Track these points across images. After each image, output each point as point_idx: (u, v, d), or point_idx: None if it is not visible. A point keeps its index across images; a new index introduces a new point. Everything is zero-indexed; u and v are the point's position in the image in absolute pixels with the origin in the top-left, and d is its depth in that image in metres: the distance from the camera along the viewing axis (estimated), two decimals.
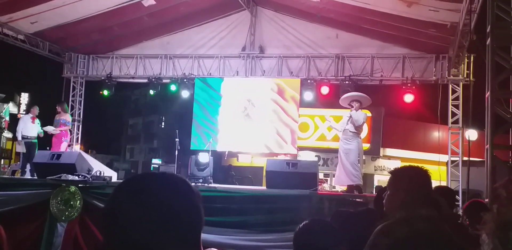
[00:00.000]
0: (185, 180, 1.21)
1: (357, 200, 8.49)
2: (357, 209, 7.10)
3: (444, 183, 11.81)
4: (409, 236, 2.36)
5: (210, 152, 10.82)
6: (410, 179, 2.64)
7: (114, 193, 1.18)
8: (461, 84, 12.02)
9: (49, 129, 11.40)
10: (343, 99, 9.88)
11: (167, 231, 1.12)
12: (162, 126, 30.35)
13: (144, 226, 1.11)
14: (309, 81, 12.48)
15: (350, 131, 9.39)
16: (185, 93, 13.32)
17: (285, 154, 13.34)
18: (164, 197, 1.14)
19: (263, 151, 13.19)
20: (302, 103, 13.00)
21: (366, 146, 16.27)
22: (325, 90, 12.34)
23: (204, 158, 10.12)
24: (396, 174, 2.74)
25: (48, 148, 11.98)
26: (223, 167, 16.35)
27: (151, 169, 27.00)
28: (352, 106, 9.53)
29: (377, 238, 2.42)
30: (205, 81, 13.35)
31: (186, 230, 1.15)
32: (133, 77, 13.94)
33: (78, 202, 8.64)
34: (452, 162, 11.96)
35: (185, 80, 13.22)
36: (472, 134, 12.40)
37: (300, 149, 13.62)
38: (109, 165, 16.73)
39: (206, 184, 9.41)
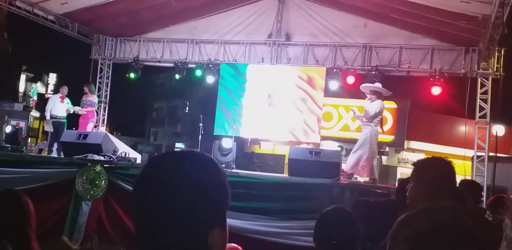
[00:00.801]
0: (212, 159, 1.22)
1: (379, 191, 8.47)
2: (378, 199, 7.11)
3: (469, 178, 11.69)
4: (431, 227, 2.37)
5: (233, 138, 10.88)
6: (434, 170, 2.64)
7: (143, 170, 1.18)
8: (490, 78, 11.80)
9: (76, 108, 11.60)
10: (363, 87, 9.89)
11: (195, 209, 1.12)
12: (187, 111, 30.46)
13: (172, 203, 1.11)
14: (335, 70, 12.39)
15: (364, 120, 9.38)
16: (210, 79, 13.36)
17: (307, 143, 13.32)
18: (193, 175, 1.15)
19: (286, 138, 13.19)
20: (327, 93, 12.95)
21: (390, 137, 16.16)
22: (351, 80, 12.25)
23: (227, 143, 10.19)
24: (419, 165, 2.74)
25: (74, 128, 12.18)
26: (246, 154, 16.44)
27: None
28: (366, 97, 9.54)
29: (399, 228, 2.44)
30: (231, 67, 13.37)
31: (214, 208, 1.16)
32: (159, 61, 14.02)
33: (103, 181, 8.78)
34: (478, 157, 11.81)
35: (210, 65, 13.25)
36: (499, 129, 12.21)
37: (323, 138, 13.59)
38: (133, 147, 16.92)
39: (228, 169, 9.48)
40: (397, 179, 16.76)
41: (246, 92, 13.21)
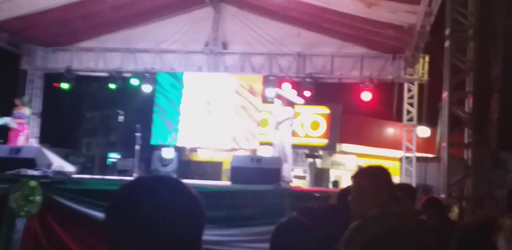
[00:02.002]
0: (183, 182, 1.22)
1: (317, 195, 8.71)
2: (321, 205, 7.30)
3: (397, 178, 12.27)
4: (384, 233, 2.44)
5: (174, 147, 10.80)
6: (378, 178, 2.72)
7: (114, 201, 1.17)
8: (416, 83, 12.50)
9: (7, 119, 11.09)
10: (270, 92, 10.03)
11: (175, 237, 1.13)
12: (122, 120, 29.81)
13: (151, 233, 1.11)
14: (271, 78, 12.63)
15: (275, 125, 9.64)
16: (146, 88, 13.18)
17: (245, 149, 13.47)
18: (171, 202, 1.15)
19: (227, 145, 13.27)
20: (264, 100, 13.16)
21: (324, 141, 16.62)
22: (286, 87, 12.52)
23: (168, 153, 10.13)
24: (361, 175, 2.83)
25: (2, 141, 11.66)
26: (183, 162, 16.32)
27: (108, 163, 26.52)
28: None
29: (353, 235, 2.47)
30: (167, 76, 13.29)
31: (192, 233, 1.18)
32: (93, 71, 13.67)
33: (38, 197, 8.46)
34: (406, 158, 12.44)
35: (146, 74, 13.09)
36: (425, 131, 12.91)
37: (260, 144, 13.76)
38: (65, 159, 16.34)
39: None
40: (330, 181, 17.28)
41: (183, 100, 13.15)
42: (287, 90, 10.31)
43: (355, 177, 2.80)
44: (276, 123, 9.53)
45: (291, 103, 9.75)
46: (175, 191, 1.18)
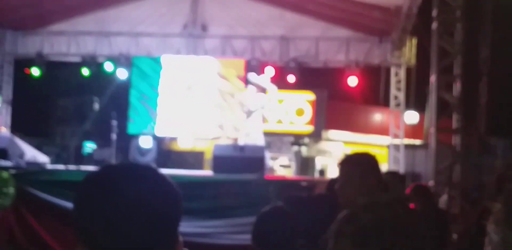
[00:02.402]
0: (156, 169, 1.17)
1: (303, 184, 8.50)
2: (309, 194, 7.07)
3: (385, 166, 12.06)
4: (373, 223, 2.41)
5: (152, 136, 10.40)
6: (364, 165, 2.66)
7: (82, 189, 1.11)
8: (403, 67, 12.23)
9: None
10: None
11: (150, 227, 1.09)
12: (96, 108, 29.25)
13: (122, 222, 1.07)
14: (253, 62, 12.22)
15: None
16: (121, 73, 12.66)
17: (228, 138, 13.09)
18: (144, 189, 1.10)
19: (205, 136, 12.86)
20: (246, 85, 12.76)
21: (310, 129, 16.33)
22: (269, 72, 12.15)
23: (146, 143, 9.73)
24: (347, 162, 2.76)
25: None
26: (163, 151, 15.93)
27: (84, 153, 26.03)
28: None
29: (342, 225, 2.44)
30: (143, 61, 12.77)
31: (167, 222, 1.13)
32: (65, 55, 13.12)
33: (11, 189, 8.15)
34: (394, 145, 12.22)
35: (121, 59, 12.55)
36: (413, 116, 12.69)
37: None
38: (38, 149, 15.83)
39: None
40: (316, 169, 17.01)
41: (160, 86, 12.67)
42: (259, 76, 9.94)
43: (341, 164, 2.76)
44: (248, 112, 9.22)
45: (263, 90, 9.43)
46: (148, 178, 1.13)
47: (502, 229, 3.01)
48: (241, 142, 9.73)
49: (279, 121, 15.93)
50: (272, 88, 9.62)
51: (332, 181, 4.73)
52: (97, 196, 1.09)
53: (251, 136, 9.34)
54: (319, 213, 3.75)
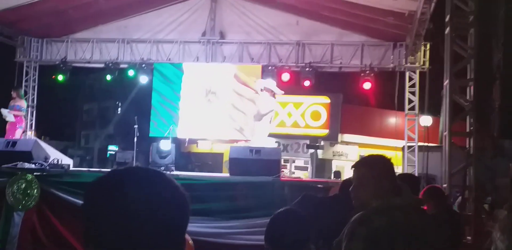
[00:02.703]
0: (163, 173, 1.18)
1: (319, 186, 8.62)
2: (324, 194, 7.18)
3: (400, 168, 12.14)
4: (386, 226, 2.41)
5: (171, 139, 10.69)
6: (379, 168, 2.66)
7: (92, 192, 1.13)
8: (417, 71, 12.31)
9: (4, 112, 10.95)
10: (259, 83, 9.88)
11: (157, 228, 1.09)
12: (119, 112, 29.74)
13: (129, 223, 1.07)
14: (269, 67, 12.47)
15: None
16: (143, 79, 13.05)
17: (245, 140, 13.33)
18: (150, 192, 1.11)
19: (226, 136, 13.12)
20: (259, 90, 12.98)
21: (325, 132, 16.49)
22: (285, 77, 12.38)
23: (165, 145, 10.02)
24: (362, 165, 2.76)
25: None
26: (183, 154, 16.24)
27: (107, 155, 26.39)
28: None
29: (356, 227, 2.45)
30: (164, 67, 13.12)
31: (174, 224, 1.13)
32: (89, 62, 13.53)
33: (35, 190, 8.39)
34: (409, 147, 12.29)
35: (143, 65, 12.94)
36: (427, 120, 12.75)
37: None
38: (63, 152, 16.27)
39: (168, 172, 9.31)
40: (332, 171, 17.16)
41: (182, 91, 12.99)
42: (267, 80, 10.16)
43: (355, 167, 2.75)
44: (260, 115, 9.40)
45: (274, 94, 9.65)
46: (154, 181, 1.13)
47: (507, 237, 2.94)
48: (252, 145, 9.95)
49: (295, 125, 16.16)
50: (280, 92, 9.84)
51: (346, 182, 4.82)
52: (103, 199, 1.10)
53: (259, 139, 9.53)
54: (333, 214, 3.75)
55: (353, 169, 2.76)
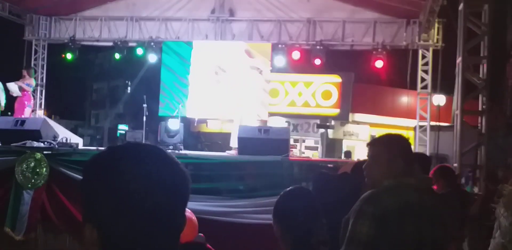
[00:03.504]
0: (164, 150, 1.16)
1: (328, 165, 8.58)
2: (336, 173, 7.15)
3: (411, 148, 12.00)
4: (396, 206, 2.38)
5: (180, 118, 10.65)
6: (395, 147, 2.60)
7: (90, 168, 1.12)
8: (431, 49, 12.09)
9: (11, 85, 10.94)
10: None
11: (173, 207, 1.10)
12: (129, 91, 29.78)
13: (129, 200, 1.06)
14: (280, 46, 12.29)
15: None
16: (152, 57, 12.95)
17: (256, 120, 13.26)
18: (150, 168, 1.09)
19: (236, 116, 13.05)
20: (273, 69, 12.85)
21: (336, 111, 16.35)
22: (296, 55, 12.21)
23: (174, 124, 9.98)
24: (378, 142, 2.71)
25: (10, 114, 11.60)
26: (193, 133, 16.25)
27: (117, 135, 26.51)
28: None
29: (365, 206, 2.41)
30: (174, 45, 13.00)
31: (184, 200, 1.14)
32: (97, 40, 13.45)
33: (44, 169, 8.45)
34: (420, 126, 12.17)
35: (152, 43, 12.83)
36: (440, 99, 12.57)
37: (270, 114, 13.55)
38: (73, 131, 16.37)
39: (176, 151, 9.31)
40: (343, 151, 17.07)
41: (191, 70, 12.89)
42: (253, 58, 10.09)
43: (371, 144, 2.71)
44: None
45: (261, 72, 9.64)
46: (157, 158, 1.12)
47: (511, 214, 2.91)
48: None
49: (306, 104, 16.02)
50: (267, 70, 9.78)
51: (359, 163, 4.81)
52: (99, 175, 1.09)
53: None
54: (343, 192, 3.71)
55: (368, 146, 2.72)
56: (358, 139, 17.91)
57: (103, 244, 1.07)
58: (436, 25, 11.67)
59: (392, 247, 2.36)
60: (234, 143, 9.90)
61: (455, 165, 7.84)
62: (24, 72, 11.35)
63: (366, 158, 2.80)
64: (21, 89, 11.00)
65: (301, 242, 2.48)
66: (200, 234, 2.94)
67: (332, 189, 4.05)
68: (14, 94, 11.07)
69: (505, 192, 3.05)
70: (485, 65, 8.06)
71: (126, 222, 1.06)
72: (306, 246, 2.49)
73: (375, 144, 2.71)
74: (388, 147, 2.61)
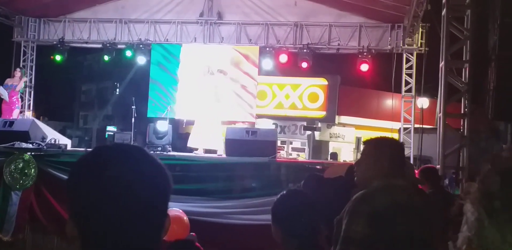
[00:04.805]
0: (146, 150, 1.20)
1: (315, 167, 8.72)
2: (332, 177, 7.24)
3: None
4: (387, 206, 2.45)
5: (168, 120, 10.74)
6: (388, 149, 2.71)
7: (76, 168, 1.15)
8: (415, 53, 12.32)
9: (2, 90, 10.96)
10: None
11: (153, 203, 1.13)
12: (117, 93, 29.72)
13: (132, 202, 1.10)
14: (267, 49, 12.45)
15: None
16: (141, 60, 13.01)
17: (243, 122, 13.37)
18: (146, 171, 1.13)
19: (222, 118, 13.16)
20: (261, 71, 12.99)
21: (322, 113, 16.54)
22: (283, 58, 12.36)
23: (162, 126, 10.08)
24: (373, 144, 2.80)
25: None
26: (181, 135, 16.30)
27: (106, 136, 26.43)
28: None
29: (358, 205, 2.47)
30: (162, 47, 13.08)
31: (165, 199, 1.17)
32: (86, 42, 13.48)
33: (32, 170, 8.49)
34: (405, 129, 12.37)
35: (141, 46, 12.90)
36: (424, 102, 12.78)
37: (258, 116, 13.67)
38: (62, 132, 16.31)
39: (164, 152, 9.39)
40: (329, 153, 17.25)
41: (179, 72, 12.96)
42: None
43: (364, 143, 2.85)
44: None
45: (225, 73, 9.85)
46: (138, 158, 1.15)
47: (477, 209, 3.02)
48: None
49: (293, 106, 16.21)
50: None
51: (351, 167, 4.92)
52: (84, 176, 1.12)
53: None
54: (335, 193, 3.77)
55: (362, 144, 2.89)
56: (344, 140, 18.10)
57: (83, 239, 1.11)
58: (420, 29, 11.89)
59: (386, 246, 2.41)
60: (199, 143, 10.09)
61: (438, 166, 7.99)
62: (16, 73, 11.38)
63: (352, 159, 2.93)
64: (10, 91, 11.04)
65: (307, 243, 2.43)
66: (192, 233, 3.00)
67: (323, 190, 4.13)
68: (2, 97, 11.09)
69: (471, 189, 3.21)
70: (467, 69, 8.24)
71: (105, 218, 1.08)
72: (313, 246, 2.45)
73: (365, 144, 2.84)
74: (376, 147, 2.73)
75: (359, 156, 2.98)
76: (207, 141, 10.60)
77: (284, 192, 2.66)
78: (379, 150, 2.69)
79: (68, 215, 1.14)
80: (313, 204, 2.57)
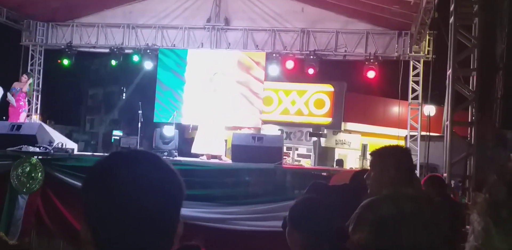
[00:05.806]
0: (164, 159, 1.22)
1: (321, 173, 8.70)
2: (338, 184, 7.23)
3: None
4: (394, 214, 2.48)
5: (174, 125, 10.75)
6: (397, 158, 2.73)
7: (91, 174, 1.17)
8: (422, 60, 12.30)
9: (9, 96, 11.01)
10: None
11: (165, 210, 1.15)
12: (124, 97, 29.84)
13: (126, 206, 1.11)
14: (274, 55, 12.47)
15: None
16: (148, 64, 13.07)
17: (248, 128, 13.38)
18: (156, 178, 1.15)
19: (229, 123, 13.17)
20: (267, 77, 13.02)
21: (328, 120, 16.53)
22: (290, 64, 12.38)
23: (169, 131, 10.09)
24: (375, 153, 2.83)
25: (4, 118, 11.65)
26: (187, 140, 16.32)
27: (112, 140, 26.51)
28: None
29: (364, 212, 2.51)
30: (169, 53, 13.13)
31: (178, 205, 1.19)
32: (94, 47, 13.57)
33: (39, 174, 8.48)
34: (411, 136, 12.34)
35: (148, 51, 12.97)
36: (431, 110, 12.76)
37: (264, 122, 13.68)
38: (68, 136, 16.40)
39: (171, 157, 9.39)
40: (335, 159, 17.24)
41: (186, 78, 13.00)
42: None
43: (377, 154, 2.83)
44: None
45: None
46: (151, 164, 1.17)
47: (483, 219, 3.04)
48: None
49: (299, 113, 16.21)
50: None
51: (356, 173, 4.91)
52: (98, 183, 1.14)
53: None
54: (339, 201, 3.82)
55: (370, 155, 2.90)
56: (350, 147, 18.07)
57: (97, 244, 1.13)
58: (427, 37, 11.89)
59: None
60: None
61: (445, 175, 7.96)
62: (24, 77, 11.44)
63: (358, 166, 2.94)
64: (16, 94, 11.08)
65: (338, 247, 2.30)
66: (198, 237, 2.93)
67: (326, 198, 4.10)
68: (11, 102, 11.13)
69: (478, 199, 3.22)
70: (475, 77, 8.23)
71: (118, 224, 1.10)
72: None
73: (371, 155, 2.86)
74: (382, 157, 2.75)
75: (365, 163, 3.01)
76: (210, 146, 10.58)
77: (301, 198, 2.60)
78: (384, 160, 2.72)
79: (82, 220, 1.16)
80: (332, 207, 2.49)
